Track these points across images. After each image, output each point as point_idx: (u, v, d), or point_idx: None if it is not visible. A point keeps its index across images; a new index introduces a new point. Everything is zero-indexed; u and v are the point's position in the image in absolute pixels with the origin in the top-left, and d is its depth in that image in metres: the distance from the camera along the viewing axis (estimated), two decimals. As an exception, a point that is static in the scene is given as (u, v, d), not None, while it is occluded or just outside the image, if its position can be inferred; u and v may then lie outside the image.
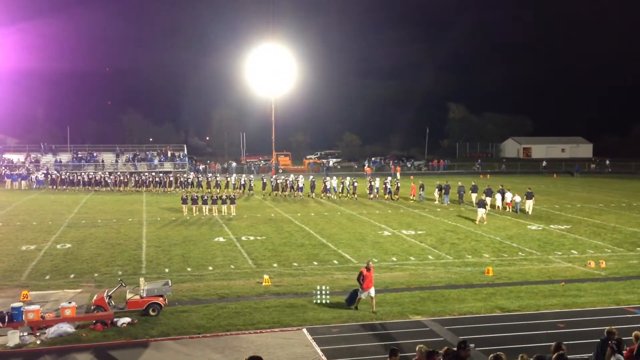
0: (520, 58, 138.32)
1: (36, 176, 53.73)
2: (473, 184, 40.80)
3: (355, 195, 43.35)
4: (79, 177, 51.70)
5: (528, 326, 16.02)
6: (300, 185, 45.58)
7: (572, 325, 16.07)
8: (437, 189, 41.45)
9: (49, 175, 53.80)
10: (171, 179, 50.29)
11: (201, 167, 71.47)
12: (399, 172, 64.01)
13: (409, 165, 79.03)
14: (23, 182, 52.21)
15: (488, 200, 36.61)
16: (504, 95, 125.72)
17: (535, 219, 33.88)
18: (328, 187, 44.30)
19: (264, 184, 47.33)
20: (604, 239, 28.14)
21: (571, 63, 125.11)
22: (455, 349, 10.52)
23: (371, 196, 43.06)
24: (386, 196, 43.04)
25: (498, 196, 38.04)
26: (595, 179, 63.88)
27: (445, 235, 28.88)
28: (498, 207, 37.72)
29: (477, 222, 32.31)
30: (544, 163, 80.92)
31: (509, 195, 37.82)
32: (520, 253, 24.97)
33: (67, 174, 54.19)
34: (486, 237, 28.24)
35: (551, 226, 31.48)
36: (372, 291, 17.25)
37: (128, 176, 52.55)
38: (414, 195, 42.47)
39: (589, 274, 21.52)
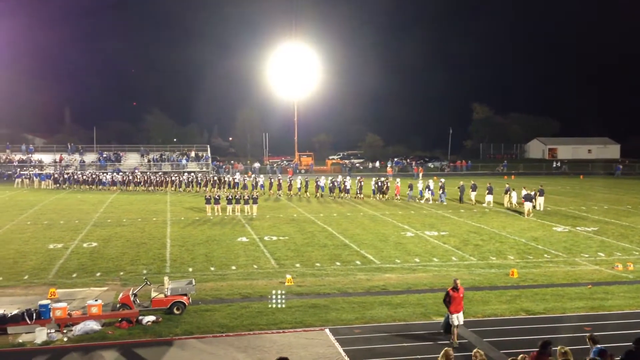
0: (546, 58, 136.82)
1: (65, 176, 54.71)
2: (472, 182, 41.52)
3: (342, 195, 44.02)
4: (110, 177, 52.65)
5: (554, 329, 15.80)
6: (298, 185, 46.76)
7: (599, 328, 15.79)
8: (426, 189, 42.05)
9: (80, 175, 54.71)
10: (198, 179, 50.67)
11: (224, 167, 71.94)
12: (421, 172, 63.80)
13: (431, 166, 78.70)
14: (49, 182, 53.16)
15: (490, 197, 38.96)
16: (530, 95, 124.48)
17: (561, 220, 33.44)
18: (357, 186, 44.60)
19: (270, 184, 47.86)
20: (631, 241, 27.65)
21: (599, 63, 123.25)
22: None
23: (398, 197, 43.05)
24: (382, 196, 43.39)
25: (514, 194, 39.08)
26: (623, 181, 62.83)
27: (469, 236, 28.65)
28: (511, 204, 38.87)
29: (526, 216, 34.39)
30: (558, 163, 79.86)
31: (515, 194, 38.94)
32: (545, 255, 24.66)
33: (94, 173, 55.18)
34: (511, 239, 27.95)
35: (577, 228, 31.03)
36: (461, 317, 14.82)
37: (153, 176, 53.12)
38: (398, 195, 42.86)
39: (617, 277, 21.17)
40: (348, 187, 44.57)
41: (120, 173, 56.14)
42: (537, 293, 19.05)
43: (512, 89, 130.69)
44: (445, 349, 10.57)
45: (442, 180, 44.56)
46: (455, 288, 14.82)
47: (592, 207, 39.25)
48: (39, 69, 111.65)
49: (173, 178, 51.63)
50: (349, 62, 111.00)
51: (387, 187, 43.44)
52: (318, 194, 44.96)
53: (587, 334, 11.51)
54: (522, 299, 18.40)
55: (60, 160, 66.27)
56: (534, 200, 36.02)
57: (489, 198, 39.21)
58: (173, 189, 49.94)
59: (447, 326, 15.01)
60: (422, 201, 41.36)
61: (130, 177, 52.30)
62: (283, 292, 17.57)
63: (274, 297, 17.33)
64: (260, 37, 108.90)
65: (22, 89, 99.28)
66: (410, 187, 42.93)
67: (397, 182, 44.46)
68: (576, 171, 74.44)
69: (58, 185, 52.77)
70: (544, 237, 28.54)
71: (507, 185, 40.57)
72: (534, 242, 27.30)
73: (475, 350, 10.55)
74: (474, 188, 40.55)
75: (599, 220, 33.56)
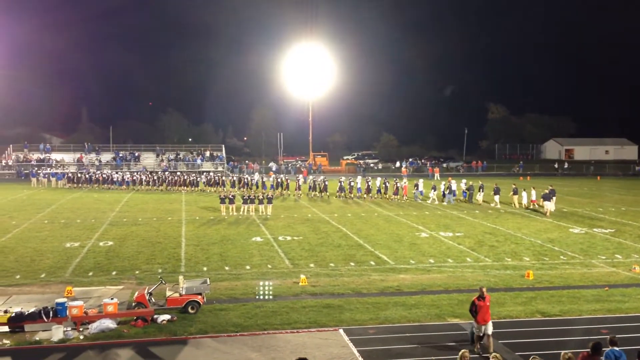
0: (562, 58, 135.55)
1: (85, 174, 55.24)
2: (480, 183, 42.40)
3: (325, 194, 44.77)
4: (121, 176, 52.97)
5: (569, 331, 15.67)
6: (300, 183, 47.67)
7: (616, 331, 15.62)
8: (432, 189, 42.63)
9: (99, 174, 55.15)
10: (215, 178, 50.73)
11: (239, 166, 72.20)
12: (437, 173, 63.64)
13: (445, 166, 78.30)
14: (65, 181, 53.66)
15: (497, 198, 39.58)
16: (546, 95, 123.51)
17: (577, 221, 33.15)
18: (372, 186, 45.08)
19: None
20: (649, 243, 27.33)
21: (615, 63, 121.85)
22: None
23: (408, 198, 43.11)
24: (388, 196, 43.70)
25: (524, 194, 39.77)
26: (640, 182, 62.17)
27: (484, 237, 28.49)
28: (521, 204, 39.37)
29: (547, 215, 35.01)
30: (556, 165, 78.78)
31: (524, 195, 39.64)
32: (562, 257, 24.44)
33: (109, 172, 55.60)
34: (526, 240, 27.74)
35: (594, 229, 30.73)
36: (490, 327, 14.08)
37: (168, 175, 53.37)
38: (406, 195, 43.18)
39: (634, 279, 20.92)
40: (359, 186, 44.90)
41: (140, 172, 56.44)
42: (553, 295, 18.90)
43: (528, 89, 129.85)
44: (462, 351, 10.51)
45: (455, 181, 44.49)
46: (481, 297, 14.18)
47: (609, 209, 38.85)
48: (56, 69, 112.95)
49: (187, 177, 51.80)
50: (363, 62, 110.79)
51: (397, 188, 43.25)
52: (324, 194, 45.16)
53: (607, 337, 11.45)
54: (538, 301, 18.26)
55: (81, 159, 67.11)
56: (551, 200, 36.13)
57: (496, 198, 39.68)
58: (189, 188, 49.99)
59: (473, 336, 14.43)
60: (428, 202, 41.60)
61: (143, 177, 52.46)
62: (270, 283, 17.65)
63: (261, 289, 17.47)
64: (275, 37, 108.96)
65: (39, 89, 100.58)
66: (417, 186, 43.25)
67: (405, 182, 44.65)
68: (593, 172, 73.69)
69: (75, 184, 53.08)
70: (560, 238, 28.30)
71: (513, 186, 40.58)
72: (550, 243, 27.08)
73: (492, 355, 10.50)
74: (481, 188, 41.22)
75: (616, 222, 33.21)
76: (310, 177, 51.13)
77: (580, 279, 20.94)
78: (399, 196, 42.77)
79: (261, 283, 17.72)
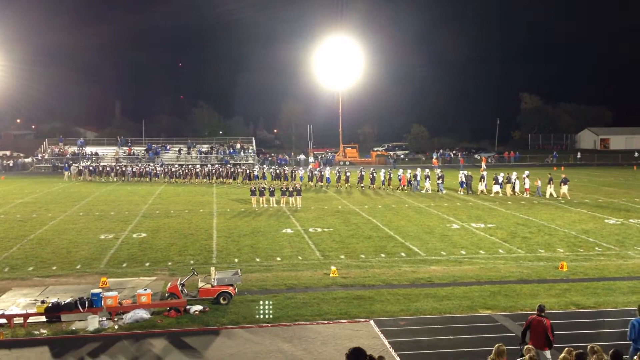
0: (597, 47, 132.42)
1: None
2: (482, 173, 43.00)
3: (348, 185, 45.64)
4: (157, 169, 53.63)
5: (605, 324, 15.38)
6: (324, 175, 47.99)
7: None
8: (426, 179, 43.30)
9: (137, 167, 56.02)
10: (247, 170, 51.04)
11: (269, 159, 72.47)
12: (484, 162, 63.25)
13: (478, 157, 77.30)
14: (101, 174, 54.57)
15: (497, 187, 40.36)
16: (581, 84, 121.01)
17: (613, 212, 32.45)
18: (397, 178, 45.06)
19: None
20: (689, 234, 26.60)
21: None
22: None
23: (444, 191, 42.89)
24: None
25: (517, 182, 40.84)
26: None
27: (517, 228, 28.10)
28: (514, 192, 40.44)
29: (561, 198, 37.77)
30: (579, 155, 77.08)
31: (527, 181, 40.34)
32: (597, 248, 23.97)
33: (142, 165, 56.35)
34: (560, 232, 27.27)
35: (631, 220, 30.05)
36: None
37: (200, 168, 53.86)
38: (404, 185, 43.84)
39: (673, 271, 20.42)
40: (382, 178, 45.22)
41: (169, 165, 57.14)
42: (588, 287, 18.57)
43: (562, 78, 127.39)
44: (498, 344, 10.36)
45: (439, 171, 45.49)
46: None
47: (647, 199, 37.96)
48: (90, 65, 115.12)
49: (220, 170, 52.24)
50: (394, 53, 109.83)
51: (390, 178, 44.61)
52: (345, 185, 45.94)
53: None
54: (572, 293, 17.97)
55: (129, 152, 68.42)
56: (561, 185, 38.27)
57: (496, 188, 40.34)
58: (227, 180, 50.44)
59: None
60: (423, 191, 42.34)
61: (177, 170, 53.01)
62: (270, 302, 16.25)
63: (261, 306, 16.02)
64: (305, 29, 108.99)
65: (74, 85, 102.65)
66: (415, 176, 43.87)
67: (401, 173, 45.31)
68: (629, 162, 72.00)
69: (119, 176, 53.81)
70: (595, 229, 27.76)
71: (506, 174, 41.82)
72: (585, 234, 26.58)
73: (526, 347, 10.36)
74: (482, 178, 41.74)
75: (654, 213, 32.42)
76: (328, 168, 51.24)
77: (616, 271, 20.53)
78: (395, 186, 43.96)
79: (261, 302, 16.22)
